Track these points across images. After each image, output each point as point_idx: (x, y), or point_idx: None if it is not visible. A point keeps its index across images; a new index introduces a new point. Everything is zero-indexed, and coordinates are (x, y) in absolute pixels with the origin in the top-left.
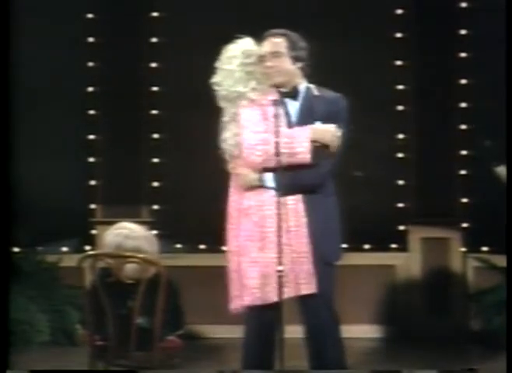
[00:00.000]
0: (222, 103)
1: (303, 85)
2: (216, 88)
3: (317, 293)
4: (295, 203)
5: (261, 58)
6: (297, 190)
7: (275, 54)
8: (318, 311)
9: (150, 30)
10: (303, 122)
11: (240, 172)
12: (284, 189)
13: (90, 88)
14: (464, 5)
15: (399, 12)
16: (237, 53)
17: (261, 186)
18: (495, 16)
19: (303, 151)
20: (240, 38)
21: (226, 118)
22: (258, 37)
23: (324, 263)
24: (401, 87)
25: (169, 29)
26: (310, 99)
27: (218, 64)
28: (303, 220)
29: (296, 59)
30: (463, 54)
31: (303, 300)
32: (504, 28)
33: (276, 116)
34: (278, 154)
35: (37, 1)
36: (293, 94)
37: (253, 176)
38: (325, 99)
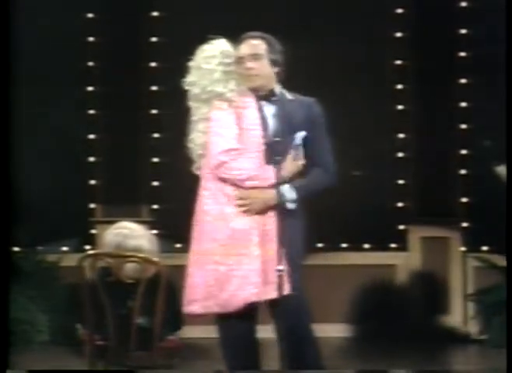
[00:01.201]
0: (192, 103)
1: (277, 89)
2: (189, 87)
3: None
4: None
5: (240, 60)
6: (312, 197)
7: (255, 57)
8: (292, 312)
9: (150, 30)
10: (280, 127)
11: (250, 195)
12: (303, 199)
13: (90, 88)
14: (464, 4)
15: (399, 11)
16: (216, 53)
17: (281, 201)
18: (495, 16)
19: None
20: (214, 38)
21: (195, 118)
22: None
23: (293, 264)
24: (400, 86)
25: (169, 29)
26: (285, 104)
27: (193, 64)
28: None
29: (274, 63)
30: (463, 54)
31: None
32: (504, 27)
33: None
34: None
35: (38, 0)
36: (269, 98)
37: (270, 195)
38: (301, 104)
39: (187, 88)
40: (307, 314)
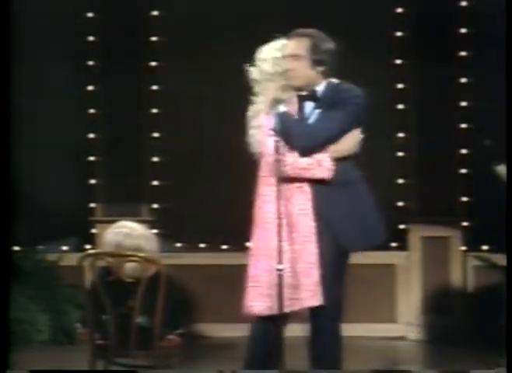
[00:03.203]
0: (252, 100)
1: (322, 85)
2: (256, 84)
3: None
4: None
5: (283, 59)
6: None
7: (295, 57)
8: (324, 315)
9: (150, 29)
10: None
11: None
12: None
13: (90, 87)
14: (464, 4)
15: (399, 10)
16: (270, 53)
17: None
18: (495, 15)
19: (327, 167)
20: (277, 38)
21: (249, 113)
22: (259, 37)
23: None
24: (401, 86)
25: (169, 28)
26: (327, 97)
27: (259, 63)
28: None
29: (317, 62)
30: (463, 53)
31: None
32: (504, 27)
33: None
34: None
35: (38, 0)
36: (311, 97)
37: None
38: (339, 92)
39: (254, 82)
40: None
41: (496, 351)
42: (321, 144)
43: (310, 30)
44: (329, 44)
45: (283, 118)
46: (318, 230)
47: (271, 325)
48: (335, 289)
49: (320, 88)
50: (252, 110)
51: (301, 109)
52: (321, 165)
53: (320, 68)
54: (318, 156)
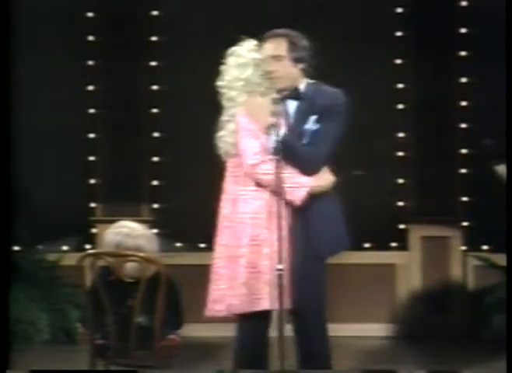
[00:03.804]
0: (225, 103)
1: (303, 84)
2: (223, 90)
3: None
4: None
5: (263, 62)
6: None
7: (276, 58)
8: (308, 314)
9: (150, 29)
10: (299, 120)
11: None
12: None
13: (90, 87)
14: (464, 3)
15: (399, 10)
16: (248, 57)
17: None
18: (495, 15)
19: (302, 194)
20: (244, 40)
21: (225, 117)
22: (257, 37)
23: (314, 261)
24: (401, 85)
25: (169, 28)
26: (309, 96)
27: (226, 67)
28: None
29: (298, 60)
30: (463, 53)
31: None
32: (504, 26)
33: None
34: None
35: (38, 0)
36: (295, 95)
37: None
38: (324, 94)
39: (220, 89)
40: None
41: (495, 351)
42: (323, 165)
43: (284, 30)
44: (304, 41)
45: (284, 144)
46: (297, 233)
47: (257, 325)
48: (317, 290)
49: (301, 86)
50: (228, 115)
51: (286, 110)
52: (299, 191)
53: (301, 66)
54: (301, 181)
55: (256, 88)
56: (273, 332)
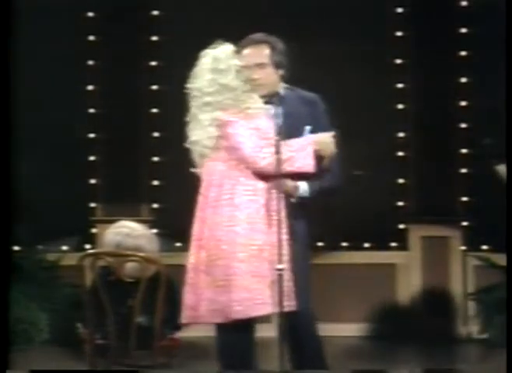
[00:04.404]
0: (201, 107)
1: (282, 89)
2: (197, 93)
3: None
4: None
5: (244, 68)
6: (324, 196)
7: (260, 66)
8: (296, 313)
9: (150, 28)
10: (290, 127)
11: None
12: (316, 196)
13: (90, 87)
14: (464, 3)
15: (399, 10)
16: (224, 60)
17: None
18: (495, 15)
19: (309, 162)
20: (219, 44)
21: (205, 122)
22: (236, 41)
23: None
24: (401, 85)
25: (169, 28)
26: (291, 102)
27: (199, 70)
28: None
29: (278, 66)
30: (463, 53)
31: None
32: (504, 26)
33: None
34: (279, 161)
35: (38, 1)
36: (276, 101)
37: (292, 184)
38: (305, 101)
39: (194, 93)
40: (311, 314)
41: (495, 351)
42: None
43: (264, 35)
44: (282, 45)
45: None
46: (291, 235)
47: (243, 327)
48: (308, 291)
49: (281, 91)
50: (208, 119)
51: (268, 112)
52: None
53: (281, 71)
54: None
55: (231, 92)
56: (273, 333)
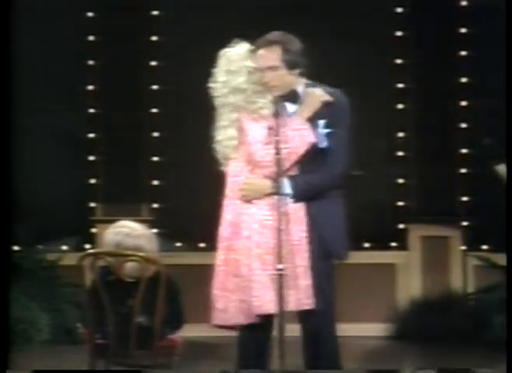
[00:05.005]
0: (220, 107)
1: (300, 85)
2: (215, 94)
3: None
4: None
5: (258, 70)
6: (312, 195)
7: (272, 68)
8: (317, 315)
9: (150, 29)
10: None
11: (252, 181)
12: (301, 195)
13: (90, 87)
14: (464, 3)
15: (399, 10)
16: (242, 62)
17: (276, 193)
18: (495, 15)
19: (305, 134)
20: (237, 44)
21: (224, 123)
22: (253, 39)
23: (325, 262)
24: (401, 85)
25: (169, 28)
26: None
27: (219, 71)
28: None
29: (292, 66)
30: (463, 53)
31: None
32: (504, 26)
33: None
34: (280, 161)
35: (38, 2)
36: (292, 98)
37: (267, 184)
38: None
39: (213, 94)
40: (328, 314)
41: (495, 351)
42: (348, 169)
43: (277, 35)
44: (297, 44)
45: (303, 191)
46: (309, 235)
47: (262, 325)
48: (328, 291)
49: (299, 88)
50: (226, 120)
51: (285, 110)
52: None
53: (296, 71)
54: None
55: (243, 94)
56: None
